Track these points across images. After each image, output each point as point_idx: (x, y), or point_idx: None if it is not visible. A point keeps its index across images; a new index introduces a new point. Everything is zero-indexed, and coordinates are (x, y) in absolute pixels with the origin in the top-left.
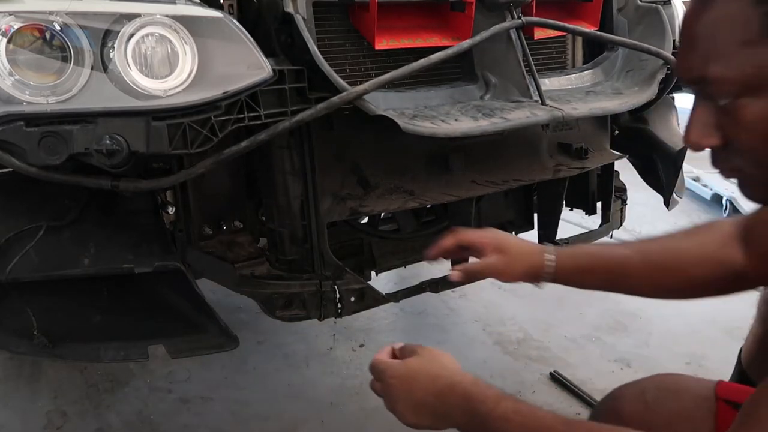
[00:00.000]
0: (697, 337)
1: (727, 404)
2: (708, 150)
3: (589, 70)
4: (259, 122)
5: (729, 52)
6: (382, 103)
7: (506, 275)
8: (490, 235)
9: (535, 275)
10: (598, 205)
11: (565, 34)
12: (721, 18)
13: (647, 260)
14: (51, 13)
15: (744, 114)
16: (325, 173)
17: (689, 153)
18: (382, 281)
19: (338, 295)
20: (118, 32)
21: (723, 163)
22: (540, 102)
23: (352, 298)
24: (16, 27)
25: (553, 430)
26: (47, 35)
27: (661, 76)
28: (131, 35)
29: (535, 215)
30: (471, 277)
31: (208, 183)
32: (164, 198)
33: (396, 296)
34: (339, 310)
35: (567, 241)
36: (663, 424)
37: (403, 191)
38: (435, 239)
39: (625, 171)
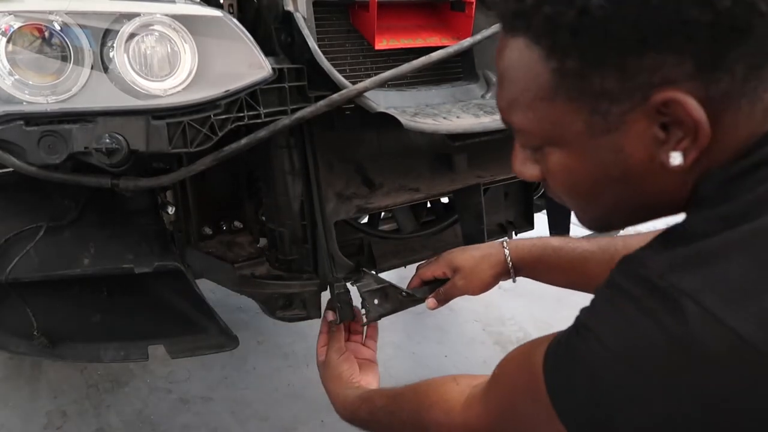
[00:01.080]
0: None
1: None
2: None
3: None
4: (259, 121)
5: (527, 104)
6: (383, 102)
7: (472, 289)
8: (441, 261)
9: (504, 271)
10: None
11: None
12: (518, 65)
13: (611, 259)
14: (51, 12)
15: (547, 161)
16: (328, 173)
17: None
18: None
19: (361, 299)
20: (118, 32)
21: (550, 192)
22: None
23: (376, 301)
24: (15, 26)
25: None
26: (47, 35)
27: None
28: (131, 35)
29: (545, 215)
30: (443, 301)
31: (208, 183)
32: (164, 198)
33: (421, 292)
34: (364, 316)
35: None
36: None
37: (408, 189)
38: (435, 239)
39: None
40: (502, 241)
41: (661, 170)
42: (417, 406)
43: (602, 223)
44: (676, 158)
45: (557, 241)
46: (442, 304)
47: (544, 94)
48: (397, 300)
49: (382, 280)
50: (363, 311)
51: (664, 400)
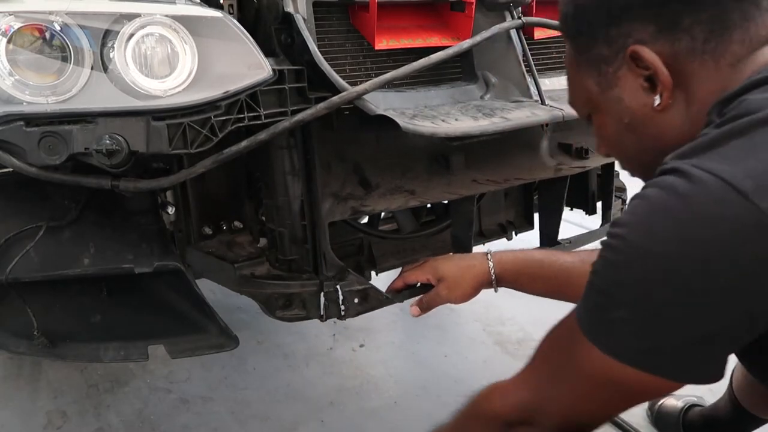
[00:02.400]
0: None
1: None
2: None
3: None
4: (259, 122)
5: (570, 81)
6: (382, 103)
7: (454, 298)
8: (427, 267)
9: (486, 282)
10: (598, 205)
11: None
12: (566, 54)
13: None
14: (51, 12)
15: (594, 127)
16: (325, 173)
17: None
18: (382, 281)
19: (341, 297)
20: (118, 32)
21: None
22: (540, 102)
23: (356, 300)
24: (16, 27)
25: None
26: (47, 35)
27: None
28: (131, 35)
29: (536, 216)
30: (426, 309)
31: (208, 183)
32: (164, 198)
33: (399, 296)
34: (343, 312)
35: (570, 241)
36: None
37: (404, 191)
38: (435, 239)
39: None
40: (486, 253)
41: (656, 113)
42: (476, 407)
43: (639, 169)
44: (656, 100)
45: (540, 254)
46: (425, 312)
47: (574, 68)
48: (376, 300)
49: (365, 282)
50: (342, 308)
51: (677, 252)
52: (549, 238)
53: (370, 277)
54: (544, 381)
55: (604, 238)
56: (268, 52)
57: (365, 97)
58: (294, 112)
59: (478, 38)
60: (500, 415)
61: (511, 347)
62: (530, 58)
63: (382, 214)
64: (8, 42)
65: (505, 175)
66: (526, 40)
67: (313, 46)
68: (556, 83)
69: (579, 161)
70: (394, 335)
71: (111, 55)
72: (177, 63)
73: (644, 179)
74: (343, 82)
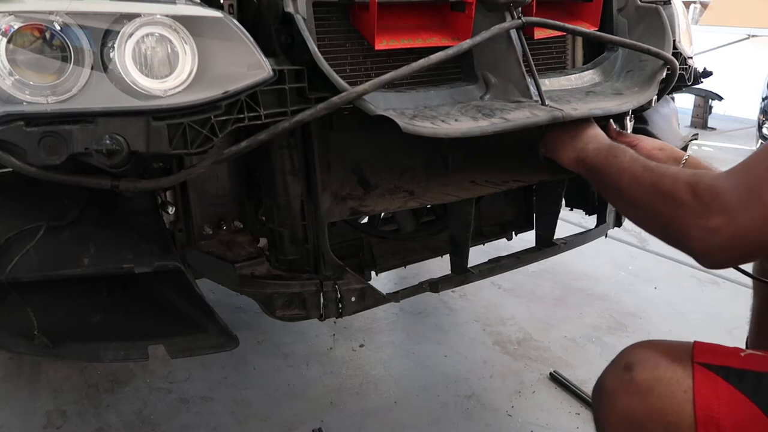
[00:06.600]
0: (697, 337)
1: (703, 367)
2: None
3: (589, 71)
4: (259, 122)
5: None
6: (382, 103)
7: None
8: None
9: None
10: None
11: (565, 34)
12: None
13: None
14: (51, 12)
15: None
16: (325, 173)
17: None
18: (382, 281)
19: (339, 295)
20: (118, 32)
21: None
22: (540, 102)
23: (353, 298)
24: (16, 27)
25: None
26: (47, 35)
27: (661, 76)
28: (131, 35)
29: (534, 215)
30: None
31: (208, 183)
32: (164, 198)
33: (396, 296)
34: (340, 310)
35: (565, 242)
36: (645, 391)
37: (403, 191)
38: (435, 239)
39: None
40: None
41: None
42: (680, 172)
43: None
44: None
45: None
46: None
47: None
48: (373, 299)
49: (363, 281)
50: (339, 306)
51: None
52: (545, 239)
53: (370, 277)
54: (747, 189)
55: None
56: (268, 52)
57: (365, 97)
58: (294, 112)
59: (478, 38)
60: (694, 185)
61: (511, 347)
62: (530, 58)
63: (383, 214)
64: (8, 42)
65: (503, 176)
66: (526, 40)
67: (313, 46)
68: (555, 83)
69: None
70: (394, 335)
71: (111, 55)
72: (177, 63)
73: None
74: (343, 83)
